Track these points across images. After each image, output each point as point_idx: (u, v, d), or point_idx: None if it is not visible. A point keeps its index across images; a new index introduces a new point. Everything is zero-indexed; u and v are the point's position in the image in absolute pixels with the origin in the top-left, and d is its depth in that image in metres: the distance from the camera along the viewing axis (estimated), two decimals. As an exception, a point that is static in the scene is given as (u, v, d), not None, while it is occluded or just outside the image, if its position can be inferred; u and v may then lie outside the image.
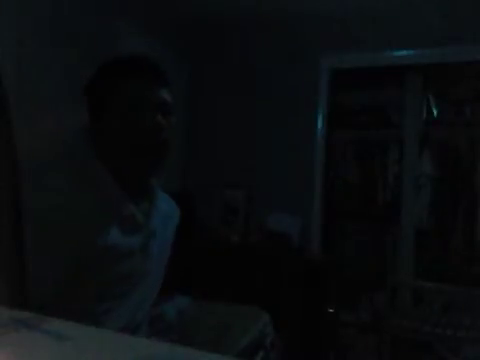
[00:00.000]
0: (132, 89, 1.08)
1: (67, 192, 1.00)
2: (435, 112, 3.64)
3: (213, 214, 3.35)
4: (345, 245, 3.79)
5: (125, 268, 1.06)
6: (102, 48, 2.50)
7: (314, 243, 3.23)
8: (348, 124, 3.80)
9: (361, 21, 3.13)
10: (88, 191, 1.02)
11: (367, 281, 3.48)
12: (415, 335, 2.46)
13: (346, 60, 3.24)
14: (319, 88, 3.27)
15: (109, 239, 1.01)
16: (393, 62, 3.17)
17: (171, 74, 1.18)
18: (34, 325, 0.55)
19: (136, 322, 1.12)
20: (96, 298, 1.00)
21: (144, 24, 2.92)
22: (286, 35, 3.35)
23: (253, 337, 1.42)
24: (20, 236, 0.70)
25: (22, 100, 1.89)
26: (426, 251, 3.54)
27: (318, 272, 2.94)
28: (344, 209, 3.78)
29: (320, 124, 3.27)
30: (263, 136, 3.37)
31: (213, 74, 3.54)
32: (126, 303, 1.08)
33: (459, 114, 3.60)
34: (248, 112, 3.42)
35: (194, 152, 3.41)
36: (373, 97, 3.80)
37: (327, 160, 3.37)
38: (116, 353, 0.50)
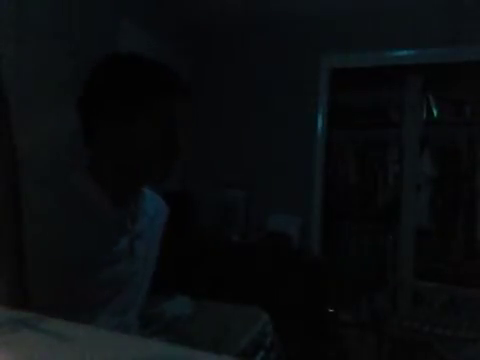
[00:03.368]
0: (160, 105, 1.01)
1: (56, 196, 0.99)
2: (435, 112, 3.64)
3: (213, 214, 3.35)
4: (345, 245, 3.79)
5: (111, 272, 1.04)
6: (102, 48, 2.51)
7: (314, 243, 3.23)
8: (348, 124, 3.81)
9: (361, 21, 3.13)
10: (75, 195, 1.00)
11: (367, 281, 3.48)
12: (415, 335, 2.46)
13: (346, 60, 3.24)
14: (319, 88, 3.28)
15: (94, 245, 0.99)
16: (393, 62, 3.17)
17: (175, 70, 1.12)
18: (34, 325, 0.55)
19: (125, 324, 1.11)
20: (83, 304, 0.98)
21: (144, 24, 2.92)
22: (286, 35, 3.35)
23: (253, 337, 1.42)
24: (20, 236, 0.70)
25: (22, 100, 1.89)
26: (426, 251, 3.54)
27: (318, 272, 2.94)
28: (344, 209, 3.79)
29: (320, 124, 3.27)
30: (263, 136, 3.37)
31: (213, 74, 3.54)
32: (113, 307, 1.07)
33: (459, 114, 3.60)
34: (248, 112, 3.43)
35: (194, 152, 3.40)
36: (373, 97, 3.81)
37: (327, 160, 3.36)
38: (116, 353, 0.50)
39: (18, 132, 0.73)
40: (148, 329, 1.30)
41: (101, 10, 2.60)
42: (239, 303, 1.61)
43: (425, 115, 3.60)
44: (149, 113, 1.01)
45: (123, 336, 0.60)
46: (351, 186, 3.81)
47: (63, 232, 0.94)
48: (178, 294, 1.56)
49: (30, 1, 2.13)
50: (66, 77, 2.24)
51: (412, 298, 3.26)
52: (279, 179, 3.28)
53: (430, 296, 2.99)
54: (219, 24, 3.43)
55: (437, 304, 2.73)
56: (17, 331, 0.53)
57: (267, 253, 2.96)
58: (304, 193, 3.26)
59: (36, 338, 0.52)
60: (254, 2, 3.13)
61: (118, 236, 1.06)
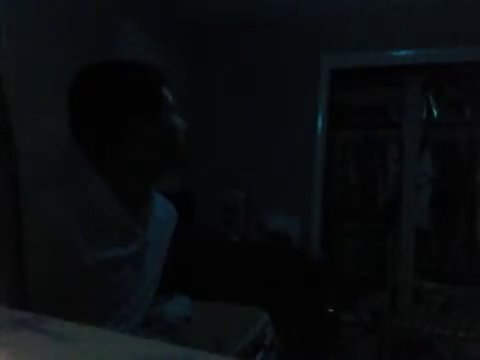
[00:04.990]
0: (143, 89, 1.03)
1: (62, 200, 0.96)
2: (435, 112, 3.64)
3: (213, 214, 3.35)
4: (345, 245, 3.79)
5: (119, 280, 1.03)
6: (102, 48, 2.51)
7: (314, 243, 3.23)
8: (348, 124, 3.81)
9: (361, 21, 3.13)
10: (83, 200, 0.98)
11: (367, 281, 3.48)
12: (415, 335, 2.46)
13: (346, 60, 3.24)
14: (319, 88, 3.28)
15: (104, 252, 0.98)
16: (393, 62, 3.17)
17: (171, 74, 1.14)
18: (34, 325, 0.55)
19: (130, 329, 1.10)
20: (90, 312, 0.96)
21: (144, 24, 2.92)
22: (286, 35, 3.35)
23: (253, 337, 1.42)
24: (20, 236, 0.69)
25: (22, 100, 1.89)
26: (426, 251, 3.54)
27: (318, 272, 2.94)
28: (344, 209, 3.78)
29: (320, 124, 3.27)
30: (263, 136, 3.37)
31: (213, 74, 3.54)
32: (119, 314, 1.06)
33: (459, 114, 3.60)
34: (248, 112, 3.42)
35: (194, 152, 3.40)
36: (373, 97, 3.80)
37: (327, 160, 3.36)
38: (116, 353, 0.50)
39: (18, 132, 0.73)
40: (148, 329, 1.30)
41: (100, 10, 2.60)
42: (239, 303, 1.61)
43: (425, 115, 3.60)
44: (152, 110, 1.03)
45: (123, 336, 0.60)
46: (351, 186, 3.81)
47: (70, 235, 0.93)
48: (178, 294, 1.56)
49: (30, 2, 2.14)
50: (66, 77, 2.24)
51: (412, 298, 3.26)
52: (279, 179, 3.28)
53: (430, 296, 2.98)
54: (218, 24, 3.43)
55: (437, 304, 2.73)
56: (17, 331, 0.53)
57: (267, 253, 2.96)
58: (304, 193, 3.26)
59: (36, 338, 0.52)
60: (254, 2, 3.13)
61: (128, 242, 1.04)
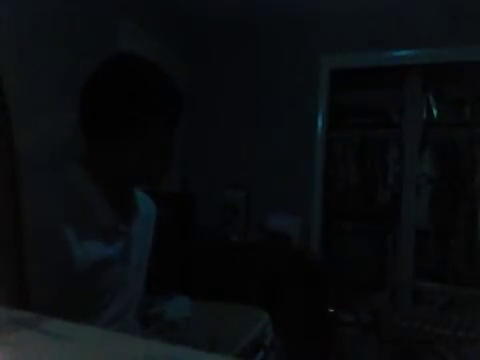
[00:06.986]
0: (160, 126, 1.05)
1: (51, 198, 0.97)
2: (435, 112, 3.64)
3: (213, 214, 3.35)
4: (345, 245, 3.79)
5: (106, 279, 1.03)
6: (102, 47, 2.50)
7: (314, 243, 3.23)
8: (348, 124, 3.80)
9: (361, 21, 3.13)
10: (72, 198, 0.99)
11: (367, 281, 3.48)
12: (415, 335, 2.46)
13: (346, 60, 3.24)
14: (319, 88, 3.28)
15: (95, 251, 0.98)
16: (393, 62, 3.17)
17: (171, 74, 1.14)
18: (34, 325, 0.55)
19: (122, 328, 1.10)
20: (83, 311, 0.96)
21: (144, 24, 2.92)
22: (286, 35, 3.36)
23: (253, 337, 1.42)
24: (20, 236, 0.69)
25: (22, 100, 1.89)
26: (426, 251, 3.54)
27: (318, 272, 2.94)
28: (344, 209, 3.78)
29: (320, 124, 3.27)
30: (263, 136, 3.37)
31: (213, 74, 3.54)
32: (110, 313, 1.06)
33: (459, 114, 3.60)
34: (248, 112, 3.43)
35: (194, 152, 3.41)
36: (373, 97, 3.81)
37: (327, 160, 3.36)
38: (116, 353, 0.50)
39: (17, 132, 0.73)
40: (148, 329, 1.30)
41: (101, 11, 2.60)
42: (239, 303, 1.61)
43: (425, 115, 3.60)
44: (154, 123, 1.04)
45: (123, 336, 0.60)
46: (351, 186, 3.81)
47: (62, 235, 0.93)
48: (178, 294, 1.56)
49: (30, 2, 2.14)
50: (66, 77, 2.24)
51: (412, 298, 3.26)
52: (279, 179, 3.28)
53: (430, 296, 2.98)
54: (219, 24, 3.43)
55: (437, 304, 2.73)
56: (17, 331, 0.53)
57: (267, 253, 2.96)
58: (304, 193, 3.26)
59: (36, 338, 0.52)
60: (254, 2, 3.13)
61: (114, 239, 1.05)
